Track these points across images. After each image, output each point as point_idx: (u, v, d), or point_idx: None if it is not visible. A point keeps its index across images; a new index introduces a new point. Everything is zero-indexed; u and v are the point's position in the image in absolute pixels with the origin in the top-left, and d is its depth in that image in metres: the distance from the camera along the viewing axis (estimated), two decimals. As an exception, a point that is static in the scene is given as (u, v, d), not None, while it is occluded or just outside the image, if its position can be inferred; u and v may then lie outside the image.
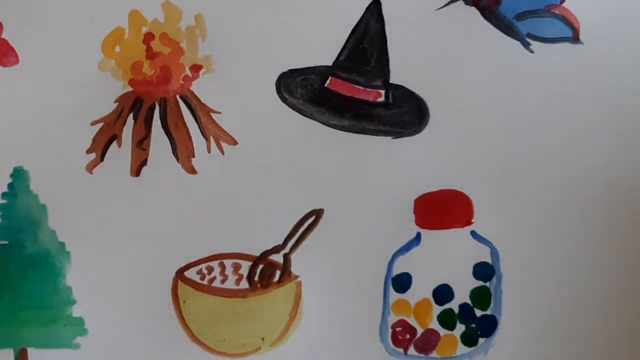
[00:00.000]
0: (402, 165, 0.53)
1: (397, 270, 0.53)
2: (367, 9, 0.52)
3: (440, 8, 0.52)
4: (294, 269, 0.53)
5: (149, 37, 0.52)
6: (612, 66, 0.53)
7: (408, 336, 0.54)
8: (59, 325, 0.53)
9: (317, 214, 0.53)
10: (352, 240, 0.53)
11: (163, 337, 0.53)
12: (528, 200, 0.53)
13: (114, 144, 0.52)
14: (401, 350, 0.54)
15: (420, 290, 0.53)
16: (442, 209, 0.53)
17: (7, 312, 0.52)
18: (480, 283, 0.53)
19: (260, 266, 0.53)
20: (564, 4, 0.53)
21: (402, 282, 0.53)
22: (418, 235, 0.53)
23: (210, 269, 0.53)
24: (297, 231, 0.53)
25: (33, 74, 0.52)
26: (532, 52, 0.52)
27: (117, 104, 0.52)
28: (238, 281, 0.53)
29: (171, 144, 0.53)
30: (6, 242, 0.52)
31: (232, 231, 0.53)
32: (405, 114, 0.53)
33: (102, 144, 0.52)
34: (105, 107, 0.52)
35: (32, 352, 0.53)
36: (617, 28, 0.53)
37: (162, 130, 0.53)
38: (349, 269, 0.53)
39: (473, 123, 0.53)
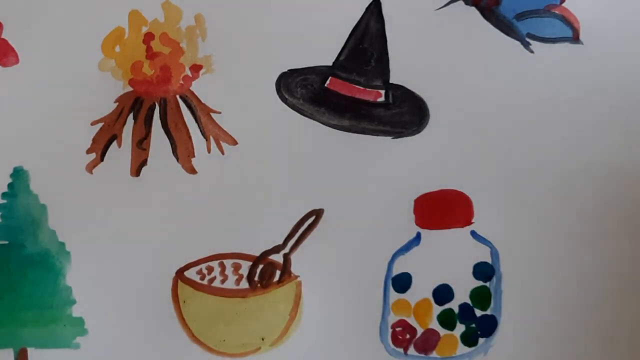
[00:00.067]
0: (402, 165, 0.53)
1: (397, 270, 0.53)
2: (367, 9, 0.52)
3: (440, 8, 0.52)
4: (294, 269, 0.53)
5: (149, 37, 0.52)
6: (612, 66, 0.53)
7: (408, 336, 0.54)
8: (59, 325, 0.53)
9: (317, 214, 0.53)
10: (352, 240, 0.53)
11: (163, 337, 0.53)
12: (528, 200, 0.53)
13: (114, 144, 0.52)
14: (401, 350, 0.54)
15: (420, 290, 0.53)
16: (442, 209, 0.53)
17: (7, 312, 0.52)
18: (480, 283, 0.53)
19: (260, 266, 0.53)
20: (564, 4, 0.53)
21: (402, 282, 0.53)
22: (418, 235, 0.53)
23: (210, 269, 0.53)
24: (297, 231, 0.53)
25: (33, 74, 0.52)
26: (532, 52, 0.53)
27: (117, 104, 0.52)
28: (238, 281, 0.53)
29: (171, 144, 0.53)
30: (6, 242, 0.52)
31: (232, 231, 0.53)
32: (405, 114, 0.53)
33: (102, 144, 0.52)
34: (105, 107, 0.52)
35: (32, 352, 0.53)
36: (617, 28, 0.53)
37: (162, 130, 0.53)
38: (349, 269, 0.53)
39: (473, 123, 0.53)
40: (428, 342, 0.54)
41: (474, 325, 0.53)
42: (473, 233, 0.53)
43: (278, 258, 0.53)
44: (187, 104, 0.53)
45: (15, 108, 0.52)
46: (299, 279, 0.53)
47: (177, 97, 0.53)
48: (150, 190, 0.53)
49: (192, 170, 0.53)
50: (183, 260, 0.53)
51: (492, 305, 0.53)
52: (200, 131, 0.53)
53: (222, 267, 0.53)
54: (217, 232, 0.53)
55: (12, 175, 0.52)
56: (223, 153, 0.53)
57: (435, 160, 0.53)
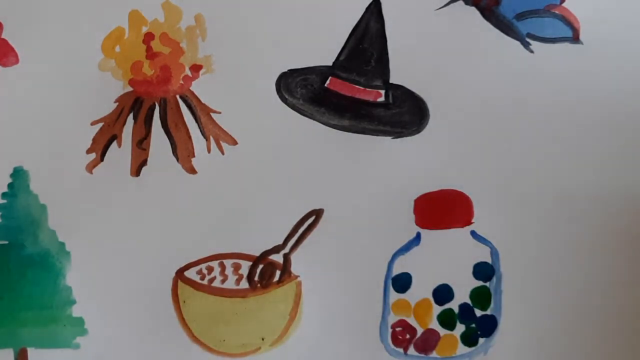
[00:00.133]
0: (402, 165, 0.53)
1: (397, 270, 0.53)
2: (367, 9, 0.52)
3: (440, 8, 0.52)
4: (294, 269, 0.53)
5: (149, 37, 0.52)
6: (612, 66, 0.53)
7: (408, 336, 0.54)
8: (59, 325, 0.53)
9: (317, 214, 0.53)
10: (352, 240, 0.53)
11: (163, 337, 0.53)
12: (528, 200, 0.53)
13: (114, 144, 0.52)
14: (401, 350, 0.54)
15: (420, 290, 0.53)
16: (442, 209, 0.53)
17: (7, 312, 0.52)
18: (480, 283, 0.53)
19: (260, 266, 0.53)
20: (564, 4, 0.53)
21: (402, 282, 0.53)
22: (418, 235, 0.53)
23: (210, 269, 0.53)
24: (297, 231, 0.53)
25: (33, 74, 0.52)
26: (532, 52, 0.53)
27: (117, 104, 0.52)
28: (238, 281, 0.53)
29: (171, 144, 0.53)
30: (6, 242, 0.52)
31: (232, 231, 0.53)
32: (405, 114, 0.53)
33: (102, 144, 0.52)
34: (105, 107, 0.52)
35: (32, 352, 0.53)
36: (617, 28, 0.53)
37: (162, 130, 0.53)
38: (349, 269, 0.53)
39: (473, 123, 0.53)
40: (428, 342, 0.54)
41: (474, 325, 0.53)
42: (473, 233, 0.53)
43: (278, 258, 0.53)
44: (187, 104, 0.53)
45: (15, 108, 0.52)
46: (299, 279, 0.53)
47: (177, 97, 0.53)
48: (150, 190, 0.53)
49: (192, 170, 0.53)
50: (183, 260, 0.53)
51: (492, 305, 0.53)
52: (200, 131, 0.53)
53: (222, 267, 0.53)
54: (217, 232, 0.53)
55: (12, 175, 0.52)
56: (223, 153, 0.53)
57: (435, 160, 0.53)
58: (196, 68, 0.52)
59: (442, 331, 0.53)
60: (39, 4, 0.52)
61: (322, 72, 0.53)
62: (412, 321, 0.53)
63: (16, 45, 0.52)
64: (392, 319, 0.53)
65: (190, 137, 0.53)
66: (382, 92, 0.53)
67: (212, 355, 0.53)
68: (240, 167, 0.53)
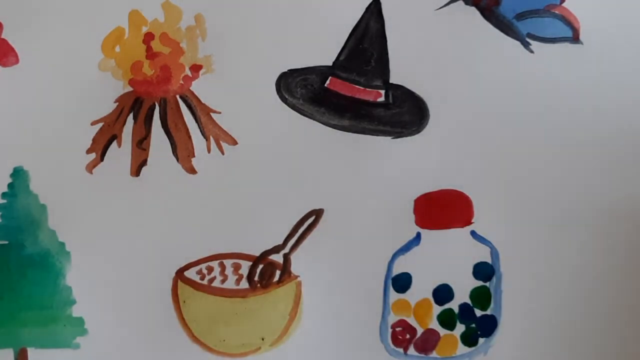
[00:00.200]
0: (402, 165, 0.53)
1: (397, 270, 0.53)
2: (367, 9, 0.52)
3: (440, 8, 0.52)
4: (294, 269, 0.53)
5: (149, 37, 0.52)
6: (612, 66, 0.53)
7: (408, 336, 0.54)
8: (59, 325, 0.53)
9: (317, 214, 0.53)
10: (352, 240, 0.53)
11: (163, 337, 0.53)
12: (528, 200, 0.53)
13: (114, 144, 0.52)
14: (401, 350, 0.54)
15: (420, 290, 0.53)
16: (442, 209, 0.53)
17: (7, 312, 0.52)
18: (480, 283, 0.53)
19: (260, 266, 0.53)
20: (564, 4, 0.53)
21: (402, 282, 0.53)
22: (418, 235, 0.53)
23: (210, 269, 0.53)
24: (297, 231, 0.53)
25: (33, 74, 0.52)
26: (532, 52, 0.52)
27: (117, 104, 0.52)
28: (238, 281, 0.53)
29: (171, 144, 0.53)
30: (6, 242, 0.52)
31: (232, 231, 0.53)
32: (405, 114, 0.53)
33: (102, 144, 0.52)
34: (105, 107, 0.52)
35: (32, 352, 0.53)
36: (617, 28, 0.53)
37: (162, 130, 0.53)
38: (349, 269, 0.53)
39: (473, 123, 0.53)
40: (428, 342, 0.54)
41: (474, 325, 0.53)
42: (473, 233, 0.53)
43: (278, 258, 0.53)
44: (187, 104, 0.53)
45: (15, 108, 0.52)
46: (299, 279, 0.53)
47: (177, 97, 0.53)
48: (150, 190, 0.53)
49: (192, 170, 0.53)
50: (183, 260, 0.53)
51: (492, 305, 0.53)
52: (200, 131, 0.53)
53: (222, 267, 0.53)
54: (217, 232, 0.53)
55: (12, 175, 0.52)
56: (223, 153, 0.53)
57: (435, 160, 0.53)
58: (196, 68, 0.52)
59: (442, 331, 0.53)
60: (39, 4, 0.52)
61: (322, 72, 0.53)
62: (412, 321, 0.53)
63: (16, 45, 0.52)
64: (392, 319, 0.53)
65: (190, 137, 0.53)
66: (382, 92, 0.53)
67: (212, 355, 0.53)
68: (240, 167, 0.53)
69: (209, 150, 0.53)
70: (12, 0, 0.52)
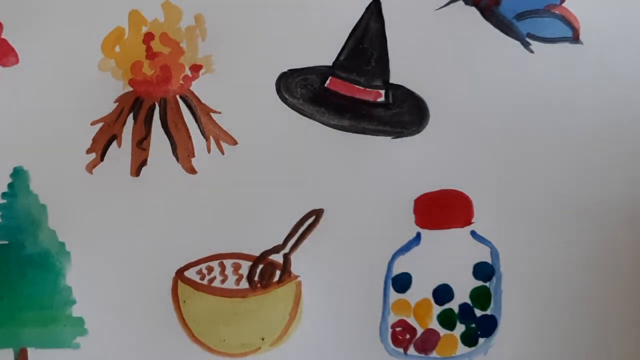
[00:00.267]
0: (402, 165, 0.53)
1: (397, 270, 0.53)
2: (367, 9, 0.52)
3: (440, 8, 0.52)
4: (294, 269, 0.53)
5: (149, 37, 0.52)
6: (612, 66, 0.53)
7: (408, 336, 0.54)
8: (59, 325, 0.53)
9: (317, 214, 0.53)
10: (352, 240, 0.53)
11: (163, 337, 0.53)
12: (528, 200, 0.53)
13: (114, 144, 0.52)
14: (401, 350, 0.54)
15: (420, 290, 0.53)
16: (442, 209, 0.53)
17: (7, 312, 0.52)
18: (480, 283, 0.53)
19: (260, 266, 0.53)
20: (564, 4, 0.53)
21: (402, 282, 0.53)
22: (418, 235, 0.53)
23: (210, 269, 0.53)
24: (297, 231, 0.53)
25: (33, 74, 0.52)
26: (532, 52, 0.52)
27: (117, 104, 0.52)
28: (238, 281, 0.53)
29: (171, 144, 0.53)
30: (6, 242, 0.52)
31: (232, 231, 0.53)
32: (405, 114, 0.53)
33: (102, 144, 0.52)
34: (105, 107, 0.52)
35: (32, 352, 0.53)
36: (617, 28, 0.53)
37: (162, 130, 0.53)
38: (349, 269, 0.53)
39: (473, 123, 0.53)
40: (428, 342, 0.54)
41: (474, 325, 0.53)
42: (473, 233, 0.53)
43: (278, 258, 0.53)
44: (187, 104, 0.53)
45: (15, 108, 0.52)
46: (299, 279, 0.53)
47: (177, 97, 0.53)
48: (150, 190, 0.53)
49: (192, 170, 0.53)
50: (183, 260, 0.53)
51: (492, 305, 0.53)
52: (200, 131, 0.53)
53: (222, 267, 0.53)
54: (217, 232, 0.53)
55: (12, 175, 0.52)
56: (223, 153, 0.53)
57: (435, 160, 0.53)
58: (196, 68, 0.52)
59: (442, 331, 0.53)
60: (39, 4, 0.52)
61: (322, 72, 0.53)
62: (412, 321, 0.53)
63: (16, 45, 0.52)
64: (392, 319, 0.53)
65: (190, 137, 0.53)
66: (382, 92, 0.53)
67: (212, 355, 0.53)
68: (240, 167, 0.53)
69: (209, 150, 0.53)
70: (12, 0, 0.52)
